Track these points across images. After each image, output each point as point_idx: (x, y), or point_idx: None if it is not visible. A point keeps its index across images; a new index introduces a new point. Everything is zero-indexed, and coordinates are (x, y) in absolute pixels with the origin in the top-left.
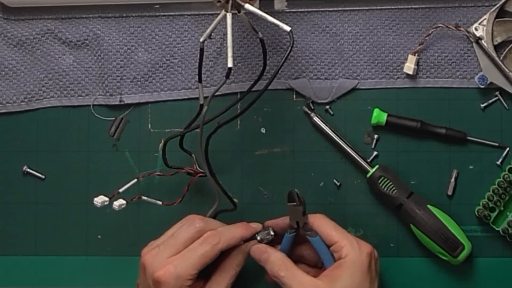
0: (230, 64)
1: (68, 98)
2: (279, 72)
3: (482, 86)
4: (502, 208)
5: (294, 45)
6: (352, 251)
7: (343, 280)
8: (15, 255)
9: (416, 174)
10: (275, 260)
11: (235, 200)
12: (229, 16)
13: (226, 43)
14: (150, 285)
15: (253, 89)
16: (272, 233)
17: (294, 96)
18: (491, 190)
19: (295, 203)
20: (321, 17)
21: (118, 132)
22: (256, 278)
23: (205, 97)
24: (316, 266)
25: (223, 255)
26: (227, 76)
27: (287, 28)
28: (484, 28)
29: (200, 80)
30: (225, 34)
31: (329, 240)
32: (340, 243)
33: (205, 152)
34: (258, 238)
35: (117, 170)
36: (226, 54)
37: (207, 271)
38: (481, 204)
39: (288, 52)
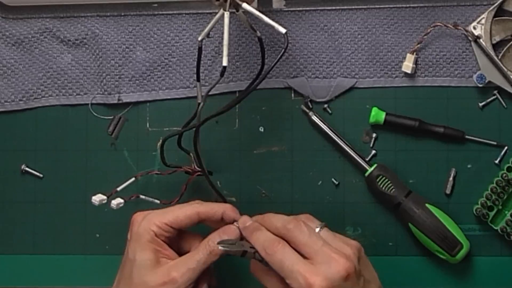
0: (225, 63)
1: (66, 97)
2: (278, 71)
3: (481, 85)
4: (500, 207)
5: (292, 44)
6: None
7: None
8: (13, 254)
9: (415, 173)
10: (266, 239)
11: (233, 199)
12: (226, 15)
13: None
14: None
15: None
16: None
17: (293, 95)
18: (489, 189)
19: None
20: (319, 16)
21: (117, 131)
22: (244, 272)
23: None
24: None
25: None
26: (222, 75)
27: (283, 30)
28: (483, 27)
29: (198, 79)
30: (224, 32)
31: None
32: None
33: (196, 147)
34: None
35: (115, 168)
36: (222, 53)
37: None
38: (479, 203)
39: (281, 54)
